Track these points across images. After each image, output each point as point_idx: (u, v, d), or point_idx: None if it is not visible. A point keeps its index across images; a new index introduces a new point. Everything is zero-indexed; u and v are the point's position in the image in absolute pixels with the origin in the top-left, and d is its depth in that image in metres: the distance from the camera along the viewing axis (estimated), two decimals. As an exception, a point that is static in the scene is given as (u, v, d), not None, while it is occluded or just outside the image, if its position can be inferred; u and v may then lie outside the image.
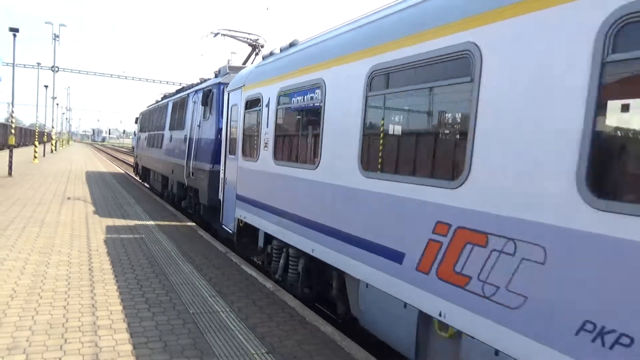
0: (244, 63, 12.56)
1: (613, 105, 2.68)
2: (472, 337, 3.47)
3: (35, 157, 32.57)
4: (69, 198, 14.76)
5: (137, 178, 24.22)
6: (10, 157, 21.01)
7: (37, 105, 44.96)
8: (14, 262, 7.23)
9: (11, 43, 21.65)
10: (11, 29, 21.44)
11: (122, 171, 29.67)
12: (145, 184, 21.85)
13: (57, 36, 42.26)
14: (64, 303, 5.66)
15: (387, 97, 4.67)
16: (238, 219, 8.74)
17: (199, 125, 12.42)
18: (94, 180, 21.37)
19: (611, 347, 2.53)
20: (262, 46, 12.39)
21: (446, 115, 4.10)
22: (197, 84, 13.96)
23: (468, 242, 3.54)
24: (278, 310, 5.97)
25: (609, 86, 2.67)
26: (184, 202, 14.01)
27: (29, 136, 69.70)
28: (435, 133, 4.16)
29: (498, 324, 3.23)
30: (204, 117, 12.12)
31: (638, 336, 2.43)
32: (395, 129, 4.65)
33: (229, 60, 12.56)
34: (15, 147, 23.15)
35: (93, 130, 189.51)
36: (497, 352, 3.26)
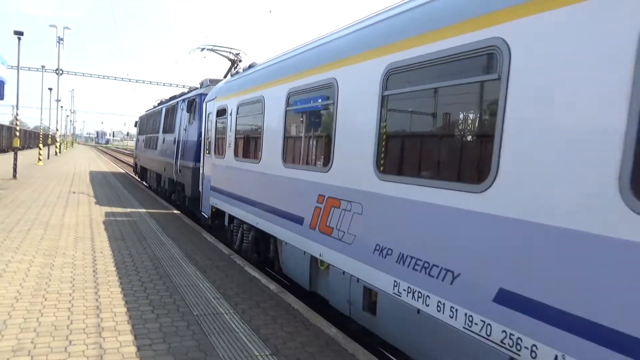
0: (225, 76, 13.93)
1: None
2: (334, 266, 5.49)
3: (39, 159, 32.71)
4: (73, 192, 15.01)
5: (136, 177, 26.77)
6: (15, 159, 21.11)
7: (41, 108, 45.13)
8: (19, 264, 7.26)
9: (15, 45, 21.77)
10: (16, 32, 21.57)
11: (123, 171, 31.69)
12: (144, 182, 23.89)
13: (62, 39, 42.45)
14: (69, 305, 5.68)
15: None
16: (212, 206, 10.81)
17: (185, 129, 14.61)
18: (98, 180, 22.83)
19: (385, 256, 4.56)
20: (240, 60, 13.63)
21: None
22: (186, 93, 16.48)
23: (332, 206, 5.54)
24: (282, 312, 5.96)
25: None
26: (173, 195, 16.43)
27: (33, 139, 70.02)
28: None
29: (344, 254, 5.23)
30: (189, 122, 14.30)
31: (396, 248, 4.39)
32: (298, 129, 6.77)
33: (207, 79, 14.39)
34: (19, 149, 23.21)
35: (97, 133, 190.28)
36: (344, 272, 5.27)
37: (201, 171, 12.05)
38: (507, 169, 3.28)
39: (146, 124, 23.57)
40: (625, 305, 2.49)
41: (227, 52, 13.58)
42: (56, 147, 52.01)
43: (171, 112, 17.18)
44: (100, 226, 10.80)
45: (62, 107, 63.30)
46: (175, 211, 14.26)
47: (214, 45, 13.73)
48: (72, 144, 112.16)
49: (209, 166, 11.12)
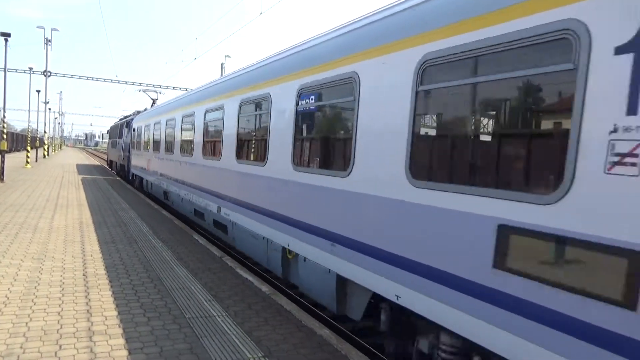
0: (151, 106, 27.14)
1: None
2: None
3: (27, 162, 32.32)
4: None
5: (107, 166, 40.74)
6: (2, 162, 20.82)
7: (29, 110, 44.61)
8: (7, 268, 7.16)
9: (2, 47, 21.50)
10: (2, 34, 21.29)
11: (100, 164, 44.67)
12: (110, 169, 37.09)
13: (49, 40, 42.00)
14: (59, 309, 5.61)
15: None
16: (133, 174, 23.26)
17: (126, 136, 27.20)
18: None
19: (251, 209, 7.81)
20: (157, 99, 29.27)
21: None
22: (128, 116, 30.68)
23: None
24: (274, 314, 5.95)
25: None
26: (120, 172, 29.85)
27: (21, 141, 69.12)
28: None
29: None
30: (127, 133, 26.87)
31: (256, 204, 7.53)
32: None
33: (142, 109, 28.29)
34: (7, 152, 23.01)
35: (86, 135, 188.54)
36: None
37: (129, 158, 24.72)
38: (358, 160, 5.00)
39: (112, 133, 37.80)
40: (397, 236, 4.35)
41: (154, 92, 30.61)
42: (44, 149, 51.44)
43: (122, 126, 30.03)
44: (90, 228, 10.70)
45: (50, 109, 62.61)
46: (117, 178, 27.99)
47: (147, 86, 30.94)
48: (61, 147, 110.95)
49: (132, 156, 23.40)
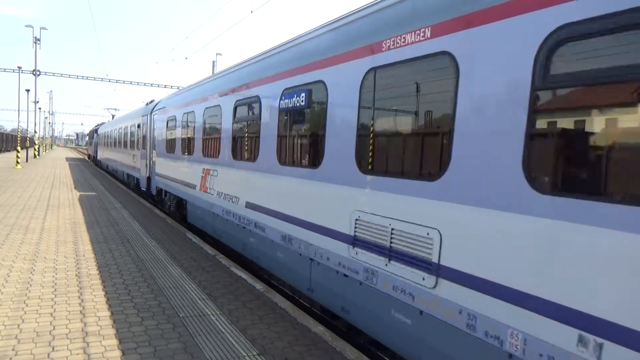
0: (112, 118, 43.78)
1: None
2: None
3: (17, 162, 32.01)
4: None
5: (87, 158, 52.62)
6: (-8, 163, 20.64)
7: (18, 110, 44.13)
8: (-2, 269, 7.10)
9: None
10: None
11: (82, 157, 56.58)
12: (88, 158, 48.24)
13: (38, 39, 41.54)
14: (51, 310, 5.58)
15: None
16: (99, 160, 39.96)
17: (95, 138, 44.25)
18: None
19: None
20: (115, 114, 49.01)
21: None
22: (100, 124, 45.82)
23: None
24: (269, 312, 5.95)
25: None
26: (93, 159, 43.92)
27: (10, 142, 68.42)
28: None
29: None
30: (96, 137, 42.22)
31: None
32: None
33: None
34: (-3, 152, 22.70)
35: (77, 134, 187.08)
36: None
37: (96, 151, 41.51)
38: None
39: (90, 136, 55.06)
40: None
41: (114, 110, 51.51)
42: (34, 149, 50.98)
43: (92, 132, 48.38)
44: (82, 227, 10.63)
45: (40, 108, 62.00)
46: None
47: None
48: (51, 146, 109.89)
49: (99, 149, 38.79)
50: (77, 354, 4.45)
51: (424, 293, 3.98)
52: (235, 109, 8.44)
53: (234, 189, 8.35)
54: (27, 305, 5.69)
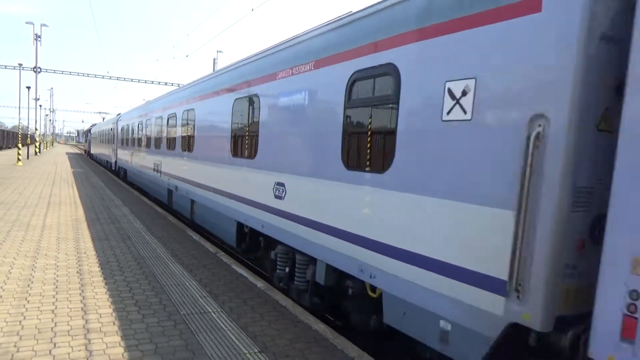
0: (103, 120, 57.01)
1: None
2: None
3: (19, 159, 32.03)
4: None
5: (83, 152, 62.09)
6: (-7, 160, 20.68)
7: (19, 107, 44.13)
8: (0, 266, 7.11)
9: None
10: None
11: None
12: (84, 153, 59.36)
13: (39, 36, 41.49)
14: (53, 307, 5.59)
15: None
16: (92, 154, 49.28)
17: (89, 136, 54.57)
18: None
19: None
20: (104, 118, 62.84)
21: None
22: (93, 125, 55.92)
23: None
24: (270, 309, 5.96)
25: None
26: (87, 152, 57.59)
27: (11, 139, 68.47)
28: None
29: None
30: (90, 136, 52.32)
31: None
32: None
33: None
34: (-2, 149, 22.79)
35: (77, 132, 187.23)
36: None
37: (90, 146, 52.49)
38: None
39: (85, 134, 67.78)
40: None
41: (106, 114, 64.56)
42: (35, 147, 51.01)
43: (86, 132, 62.76)
44: (84, 225, 10.64)
45: (40, 105, 62.01)
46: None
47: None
48: (52, 144, 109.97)
49: (92, 145, 49.64)
50: (79, 351, 4.46)
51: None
52: (144, 122, 17.82)
53: (141, 162, 18.04)
54: (28, 302, 5.70)
